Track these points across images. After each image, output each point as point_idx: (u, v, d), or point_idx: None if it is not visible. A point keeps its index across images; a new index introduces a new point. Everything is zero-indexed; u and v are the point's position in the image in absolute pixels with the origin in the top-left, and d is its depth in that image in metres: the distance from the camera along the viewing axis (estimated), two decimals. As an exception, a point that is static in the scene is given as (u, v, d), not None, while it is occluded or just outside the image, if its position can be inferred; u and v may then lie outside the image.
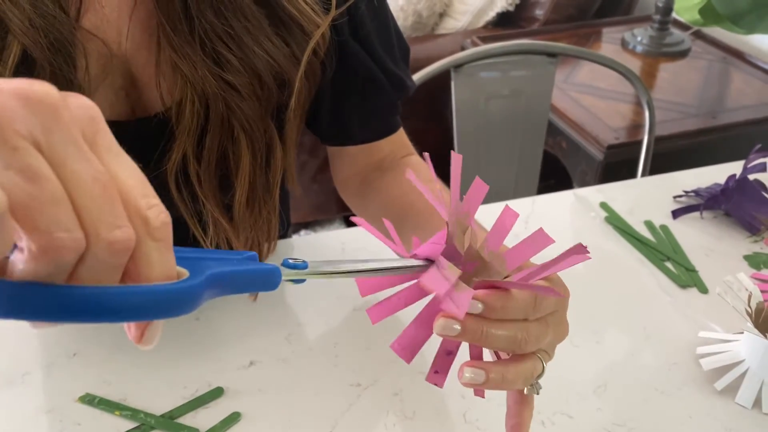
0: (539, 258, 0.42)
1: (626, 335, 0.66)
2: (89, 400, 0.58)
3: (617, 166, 1.40)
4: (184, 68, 0.52)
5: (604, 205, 0.84)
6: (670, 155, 1.41)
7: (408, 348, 0.39)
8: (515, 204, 0.85)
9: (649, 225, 0.81)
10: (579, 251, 0.37)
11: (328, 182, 0.98)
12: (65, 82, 0.51)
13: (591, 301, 0.70)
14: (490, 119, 1.24)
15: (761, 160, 0.81)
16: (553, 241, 0.39)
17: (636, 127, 1.45)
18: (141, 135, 0.57)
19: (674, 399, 0.60)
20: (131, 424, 0.56)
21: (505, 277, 0.41)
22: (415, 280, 0.39)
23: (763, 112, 1.52)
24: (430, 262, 0.39)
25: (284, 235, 0.87)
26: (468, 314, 0.37)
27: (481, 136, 1.24)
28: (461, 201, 0.40)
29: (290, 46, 0.56)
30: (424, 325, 0.39)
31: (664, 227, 0.80)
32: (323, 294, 0.70)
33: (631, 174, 1.22)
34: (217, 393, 0.59)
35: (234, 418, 0.57)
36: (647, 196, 0.86)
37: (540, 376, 0.42)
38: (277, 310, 0.69)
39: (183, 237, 0.60)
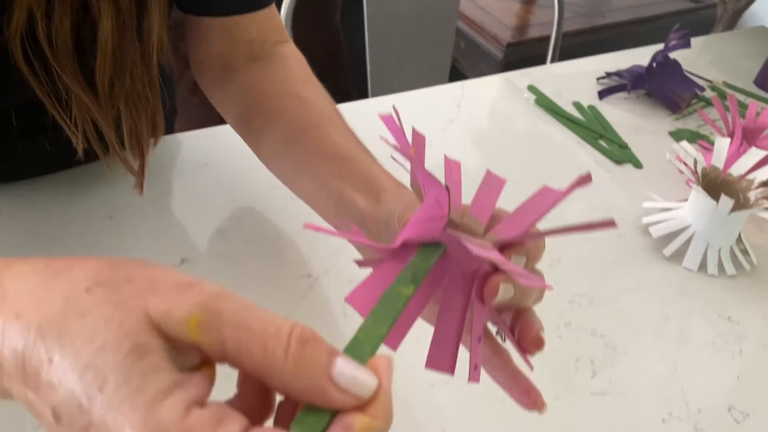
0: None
1: (572, 211, 0.65)
2: None
3: (516, 64, 1.39)
4: None
5: (532, 88, 0.82)
6: (563, 53, 1.42)
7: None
8: (445, 89, 0.81)
9: (577, 106, 0.80)
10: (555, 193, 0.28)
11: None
12: None
13: (532, 181, 0.68)
14: (400, 9, 1.18)
15: (680, 40, 0.82)
16: (506, 180, 0.31)
17: (530, 26, 1.44)
18: None
19: (626, 268, 0.60)
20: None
21: (486, 232, 0.34)
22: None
23: (644, 12, 1.57)
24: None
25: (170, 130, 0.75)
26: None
27: (392, 26, 1.18)
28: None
29: None
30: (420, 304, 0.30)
31: (592, 107, 0.80)
32: (255, 183, 0.62)
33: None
34: (148, 294, 0.51)
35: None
36: (572, 79, 0.85)
37: None
38: (205, 205, 0.61)
39: (41, 123, 0.48)
